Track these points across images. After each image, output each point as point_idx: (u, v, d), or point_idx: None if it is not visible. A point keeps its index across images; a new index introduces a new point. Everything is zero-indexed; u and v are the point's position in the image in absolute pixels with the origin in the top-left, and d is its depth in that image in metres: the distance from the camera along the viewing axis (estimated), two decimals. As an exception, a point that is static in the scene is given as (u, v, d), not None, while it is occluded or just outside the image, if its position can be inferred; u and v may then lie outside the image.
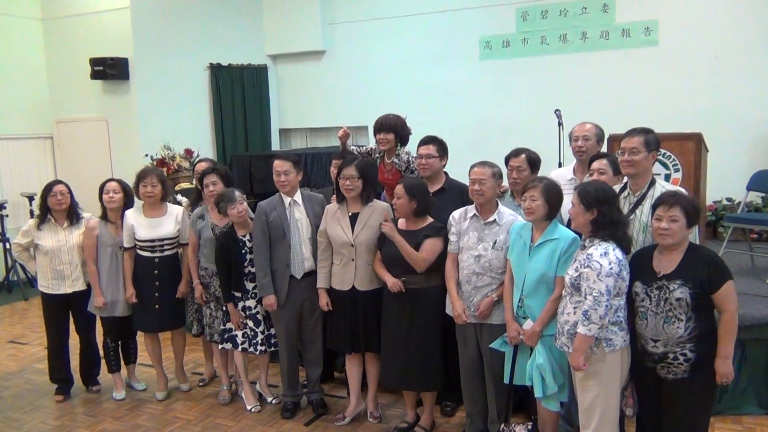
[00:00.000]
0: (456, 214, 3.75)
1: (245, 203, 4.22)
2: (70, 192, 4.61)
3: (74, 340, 4.84)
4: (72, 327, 4.80)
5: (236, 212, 4.18)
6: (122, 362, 4.86)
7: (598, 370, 3.04)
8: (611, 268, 2.91)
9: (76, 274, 4.59)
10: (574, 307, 3.05)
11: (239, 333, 4.31)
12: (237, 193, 4.20)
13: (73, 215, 4.59)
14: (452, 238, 3.72)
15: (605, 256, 2.94)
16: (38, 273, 4.63)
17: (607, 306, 2.91)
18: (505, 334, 3.48)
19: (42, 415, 4.55)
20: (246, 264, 4.25)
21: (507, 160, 3.99)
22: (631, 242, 3.11)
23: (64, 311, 4.70)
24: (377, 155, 4.63)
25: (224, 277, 4.26)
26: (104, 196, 4.53)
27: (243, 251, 4.24)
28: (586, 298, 2.95)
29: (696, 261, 2.87)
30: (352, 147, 4.79)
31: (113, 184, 4.56)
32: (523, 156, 3.92)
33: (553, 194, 3.29)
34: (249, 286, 4.28)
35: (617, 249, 2.98)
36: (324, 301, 4.07)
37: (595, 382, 3.06)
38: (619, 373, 3.06)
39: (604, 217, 3.01)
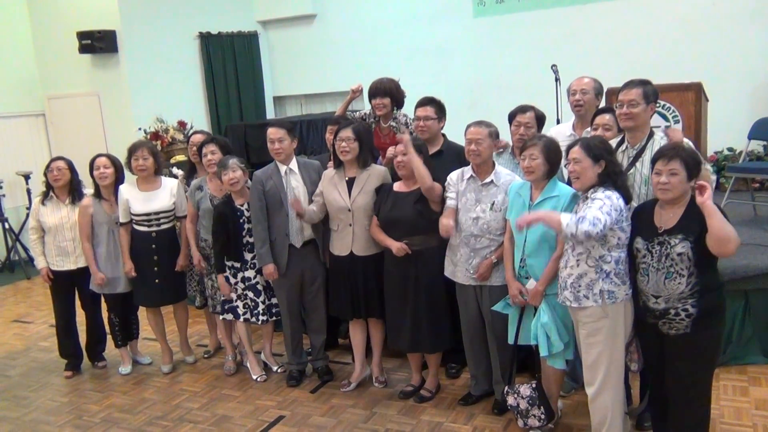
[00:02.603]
0: (453, 175, 3.70)
1: (239, 171, 4.15)
2: (72, 169, 4.59)
3: (80, 317, 4.85)
4: (78, 304, 4.81)
5: (228, 179, 4.13)
6: (126, 338, 4.88)
7: (601, 326, 3.03)
8: (612, 207, 2.88)
9: (79, 250, 4.58)
10: (577, 260, 3.03)
11: (240, 304, 4.31)
12: (231, 161, 4.15)
13: (74, 192, 4.57)
14: (451, 195, 3.66)
15: (609, 198, 2.92)
16: (45, 250, 4.64)
17: (602, 230, 2.84)
18: (507, 296, 3.47)
19: (50, 393, 4.58)
20: (244, 234, 4.22)
21: (512, 116, 3.91)
22: (631, 193, 3.08)
23: (69, 288, 4.72)
24: (372, 120, 4.57)
25: (218, 248, 4.24)
26: (95, 173, 4.49)
27: (241, 221, 4.20)
28: (586, 212, 2.89)
29: (697, 213, 2.81)
30: (348, 112, 4.73)
31: (102, 159, 4.51)
32: (532, 113, 3.86)
33: (553, 151, 3.25)
34: (248, 256, 4.26)
35: (621, 198, 2.95)
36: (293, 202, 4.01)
37: (598, 339, 3.05)
38: (623, 328, 3.05)
39: (614, 168, 3.01)
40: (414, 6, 8.21)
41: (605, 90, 4.22)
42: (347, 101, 4.73)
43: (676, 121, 4.30)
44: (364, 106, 4.61)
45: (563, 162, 3.27)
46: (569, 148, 3.10)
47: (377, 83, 4.45)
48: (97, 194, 4.54)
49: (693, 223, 2.80)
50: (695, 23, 6.77)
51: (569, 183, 3.26)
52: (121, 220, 4.46)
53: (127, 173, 4.61)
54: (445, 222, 3.56)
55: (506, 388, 3.53)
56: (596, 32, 7.20)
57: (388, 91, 4.41)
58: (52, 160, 4.62)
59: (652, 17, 6.96)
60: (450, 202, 3.66)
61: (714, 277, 2.89)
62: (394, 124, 4.43)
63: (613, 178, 3.00)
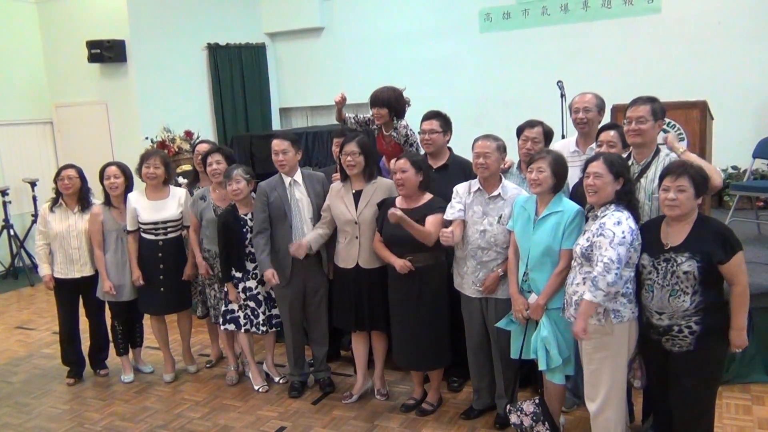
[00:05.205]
0: (460, 188, 3.71)
1: (243, 182, 4.16)
2: (82, 177, 4.61)
3: (83, 324, 4.85)
4: (81, 311, 4.81)
5: (230, 189, 4.16)
6: (129, 346, 4.88)
7: (605, 342, 3.03)
8: (624, 237, 2.89)
9: (84, 259, 4.59)
10: (584, 278, 3.04)
11: (241, 314, 4.31)
12: (235, 172, 4.17)
13: (83, 201, 4.59)
14: (456, 206, 3.64)
15: (619, 224, 2.92)
16: (51, 257, 4.64)
17: (617, 275, 2.87)
18: (510, 312, 3.47)
19: (51, 400, 4.58)
20: (247, 243, 4.24)
21: (520, 130, 3.91)
22: (639, 213, 3.11)
23: (74, 295, 4.73)
24: (374, 127, 4.60)
25: (224, 257, 4.25)
26: (105, 182, 4.52)
27: (244, 230, 4.21)
28: (596, 266, 2.91)
29: (705, 233, 2.83)
30: (348, 115, 4.75)
31: (113, 168, 4.54)
32: (539, 128, 3.87)
33: (560, 166, 3.27)
34: (250, 266, 4.28)
35: (630, 218, 2.96)
36: (294, 248, 4.00)
37: (602, 355, 3.05)
38: (626, 346, 3.05)
39: (630, 186, 3.04)
40: (421, 20, 8.27)
41: (611, 106, 4.24)
42: (336, 112, 4.73)
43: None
44: (369, 109, 4.62)
45: (580, 176, 3.27)
46: (589, 161, 3.11)
47: (377, 92, 4.43)
48: (107, 202, 4.58)
49: (700, 242, 2.82)
50: (701, 42, 6.80)
51: (573, 197, 3.28)
52: (129, 228, 4.48)
53: (136, 180, 4.64)
54: (448, 231, 3.49)
55: (508, 406, 3.52)
56: (602, 49, 7.24)
57: (386, 102, 4.37)
58: (63, 168, 4.63)
59: (657, 35, 7.00)
60: (457, 213, 3.63)
61: (719, 295, 2.89)
62: (394, 134, 4.42)
63: (628, 196, 3.03)
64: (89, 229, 4.55)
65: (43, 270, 4.64)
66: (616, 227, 2.91)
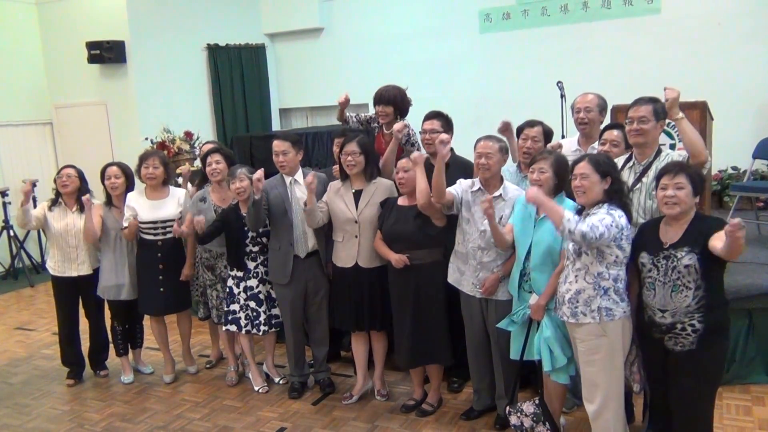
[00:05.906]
0: (464, 181, 3.71)
1: (246, 181, 4.16)
2: (81, 177, 4.62)
3: (83, 325, 4.85)
4: (81, 312, 4.81)
5: (234, 188, 4.16)
6: (129, 346, 4.87)
7: (599, 344, 3.03)
8: (612, 223, 2.88)
9: (81, 257, 4.60)
10: (575, 276, 3.04)
11: (242, 315, 4.31)
12: (240, 171, 4.18)
13: (82, 201, 4.59)
14: (455, 189, 3.64)
15: (610, 215, 2.92)
16: (47, 255, 4.67)
17: (593, 238, 2.83)
18: (511, 313, 3.46)
19: (51, 401, 4.58)
20: (247, 242, 4.24)
21: (520, 130, 3.94)
22: (632, 213, 3.10)
23: (73, 295, 4.72)
24: (375, 125, 4.60)
25: (232, 243, 4.26)
26: (106, 182, 4.54)
27: (245, 228, 4.21)
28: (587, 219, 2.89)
29: (702, 227, 2.83)
30: (349, 115, 4.75)
31: (113, 169, 4.56)
32: (539, 127, 3.88)
33: (562, 167, 3.26)
34: (251, 265, 4.28)
35: (623, 216, 2.96)
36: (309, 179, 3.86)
37: (597, 357, 3.04)
38: (621, 346, 3.04)
39: (619, 185, 3.03)
40: (421, 21, 8.27)
41: (611, 107, 4.24)
42: (339, 112, 4.74)
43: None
44: (369, 110, 4.63)
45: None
46: (575, 163, 3.11)
47: (382, 90, 4.47)
48: (108, 202, 4.58)
49: (699, 236, 2.82)
50: (701, 42, 6.81)
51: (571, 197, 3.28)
52: (124, 224, 4.47)
53: (136, 181, 4.64)
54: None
55: (508, 408, 3.52)
56: (602, 49, 7.25)
57: (392, 100, 4.43)
58: (63, 167, 4.67)
59: (657, 36, 7.01)
60: (452, 190, 3.62)
61: (720, 293, 2.90)
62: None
63: (618, 195, 3.02)
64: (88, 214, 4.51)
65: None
66: (607, 216, 2.91)
